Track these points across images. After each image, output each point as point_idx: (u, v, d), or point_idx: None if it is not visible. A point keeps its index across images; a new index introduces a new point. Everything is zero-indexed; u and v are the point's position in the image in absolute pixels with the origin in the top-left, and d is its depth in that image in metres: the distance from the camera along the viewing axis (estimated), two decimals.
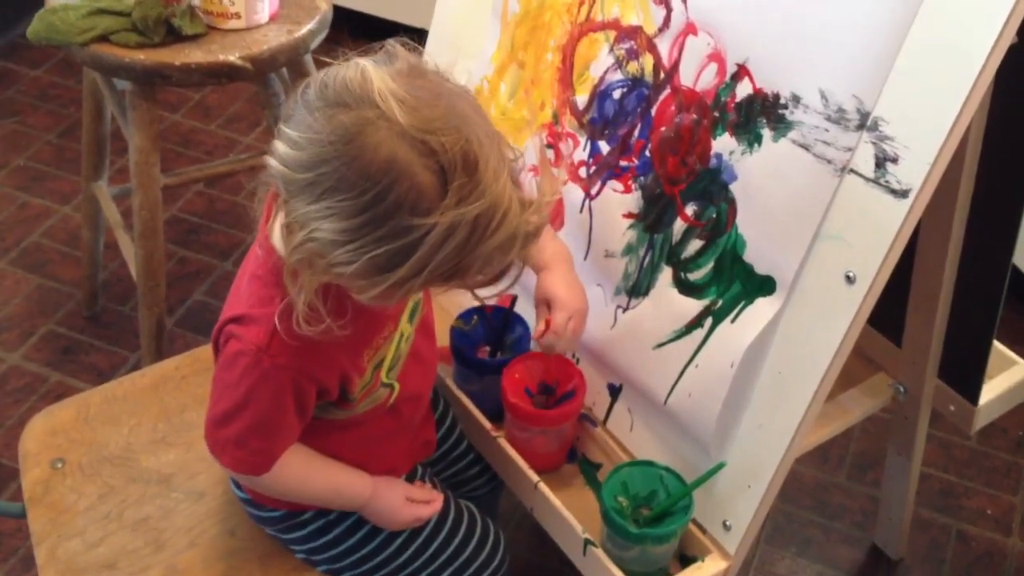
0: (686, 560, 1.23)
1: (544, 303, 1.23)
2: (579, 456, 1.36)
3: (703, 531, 1.22)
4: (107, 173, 1.87)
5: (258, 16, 1.52)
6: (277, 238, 1.02)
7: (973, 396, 1.42)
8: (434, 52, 1.46)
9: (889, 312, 1.45)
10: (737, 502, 1.19)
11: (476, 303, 1.39)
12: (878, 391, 1.49)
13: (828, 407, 1.44)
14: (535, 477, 1.27)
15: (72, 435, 1.39)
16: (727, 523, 1.20)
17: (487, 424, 1.33)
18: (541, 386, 1.32)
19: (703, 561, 1.21)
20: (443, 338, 1.34)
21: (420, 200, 0.88)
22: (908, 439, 1.55)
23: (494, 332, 1.38)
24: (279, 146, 0.92)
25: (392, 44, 0.95)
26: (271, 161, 0.93)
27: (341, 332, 0.99)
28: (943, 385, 1.45)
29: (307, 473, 1.14)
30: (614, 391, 1.32)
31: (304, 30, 1.55)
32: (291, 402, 1.05)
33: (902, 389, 1.46)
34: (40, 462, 1.36)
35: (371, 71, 0.90)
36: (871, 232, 1.02)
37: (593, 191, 1.29)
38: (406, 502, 1.21)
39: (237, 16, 1.49)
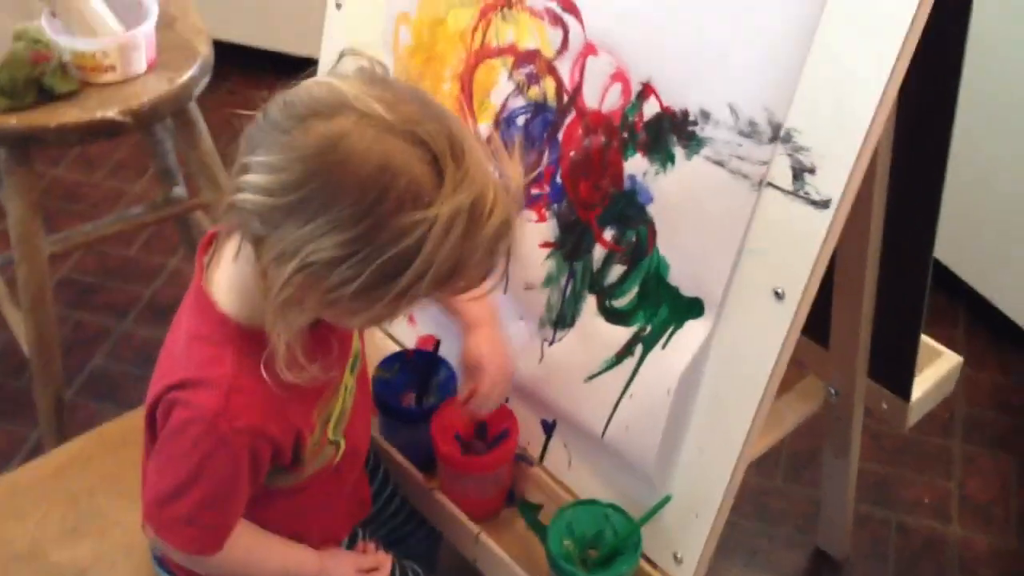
0: None
1: (470, 367, 1.19)
2: (518, 499, 1.31)
3: (654, 566, 1.18)
4: None
5: (134, 67, 1.44)
6: (222, 290, 0.97)
7: (905, 392, 1.40)
8: None
9: (814, 314, 1.43)
10: (686, 532, 1.15)
11: (396, 350, 1.36)
12: (810, 395, 1.47)
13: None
14: (475, 528, 1.22)
15: None
16: (678, 555, 1.16)
17: (419, 477, 1.27)
18: (476, 431, 1.27)
19: None
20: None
21: (421, 193, 0.84)
22: (843, 440, 1.53)
23: (418, 377, 1.33)
24: (252, 178, 0.86)
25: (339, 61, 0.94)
26: (244, 197, 0.86)
27: (326, 374, 0.96)
28: (874, 384, 1.43)
29: (256, 550, 1.08)
30: (548, 427, 1.28)
31: (185, 77, 1.47)
32: (247, 469, 0.98)
33: (833, 391, 1.44)
34: None
35: (337, 81, 0.88)
36: (795, 245, 0.99)
37: None
38: (358, 573, 1.15)
39: (112, 68, 1.41)
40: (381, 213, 0.84)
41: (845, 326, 1.33)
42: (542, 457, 1.29)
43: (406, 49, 1.31)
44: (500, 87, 1.22)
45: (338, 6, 1.39)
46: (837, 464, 1.59)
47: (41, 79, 1.37)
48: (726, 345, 1.07)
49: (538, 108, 1.18)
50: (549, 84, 1.17)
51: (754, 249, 1.03)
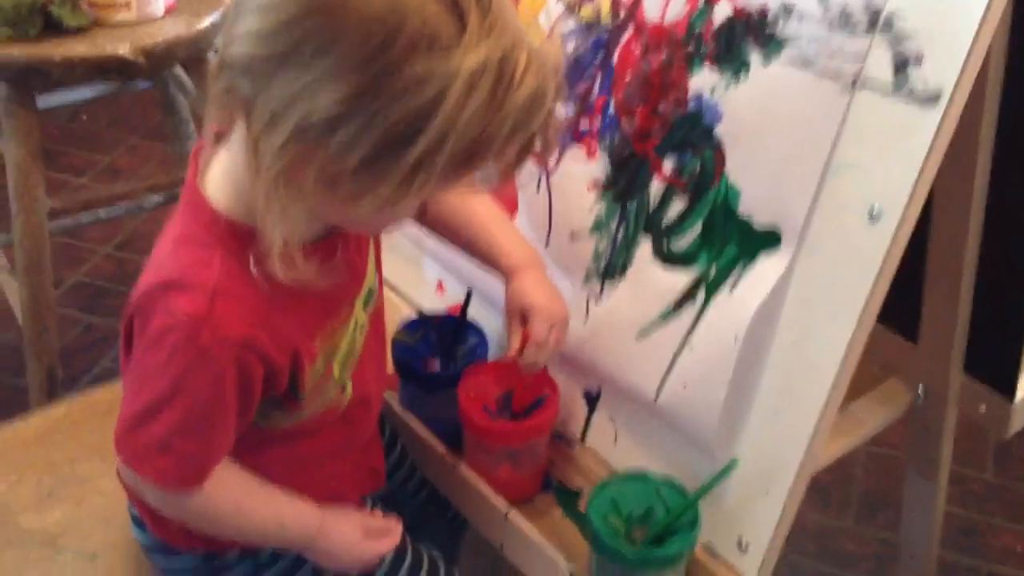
0: None
1: (518, 313, 1.03)
2: (554, 483, 1.14)
3: (713, 554, 1.01)
4: None
5: (151, 7, 1.33)
6: (215, 185, 0.84)
7: (1009, 389, 1.22)
8: None
9: (901, 304, 1.27)
10: (754, 512, 0.98)
11: (420, 314, 1.21)
12: (892, 398, 1.29)
13: (837, 419, 1.25)
14: (504, 505, 1.06)
15: None
16: (743, 541, 0.99)
17: (441, 448, 1.11)
18: (502, 401, 1.11)
19: None
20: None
21: (437, 37, 0.70)
22: (931, 456, 1.34)
23: (443, 344, 1.17)
24: (238, 28, 0.73)
25: None
26: (232, 50, 0.74)
27: (323, 281, 0.81)
28: (971, 381, 1.25)
29: (245, 496, 0.92)
30: (591, 399, 1.12)
31: (205, 23, 1.36)
32: (233, 390, 0.83)
33: (921, 390, 1.26)
34: None
35: None
36: (895, 154, 0.85)
37: (550, 164, 1.10)
38: (363, 536, 0.99)
39: (127, 6, 1.30)
40: (389, 59, 0.70)
41: (939, 305, 1.16)
42: (584, 435, 1.13)
43: None
44: (550, 9, 1.09)
45: None
46: (923, 488, 1.39)
47: (48, 8, 1.25)
48: (807, 281, 0.92)
49: (590, 28, 1.05)
50: (604, 0, 1.04)
51: (844, 163, 0.88)
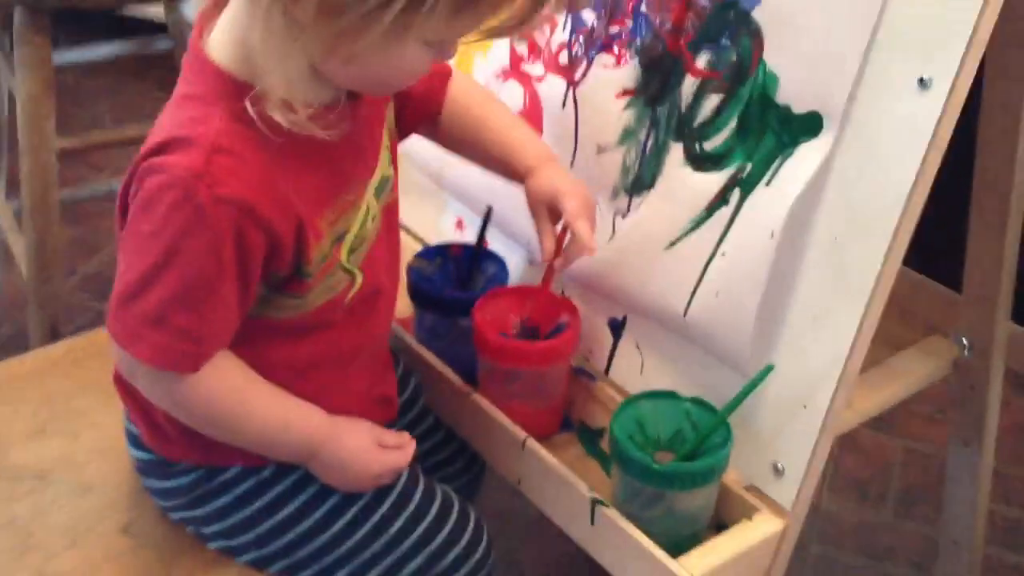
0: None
1: (544, 205, 0.96)
2: (576, 423, 1.06)
3: (746, 486, 0.92)
4: (4, 175, 1.61)
5: None
6: (218, 42, 0.79)
7: None
8: None
9: (944, 254, 1.19)
10: (791, 432, 0.89)
11: (430, 227, 1.15)
12: (936, 352, 1.20)
13: (876, 372, 1.16)
14: (521, 434, 0.98)
15: None
16: (779, 465, 0.90)
17: (455, 378, 1.04)
18: (520, 328, 1.03)
19: (750, 520, 0.91)
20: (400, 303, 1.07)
21: None
22: (976, 418, 1.24)
23: (461, 273, 1.11)
24: None
25: None
26: None
27: (328, 133, 0.76)
28: (1020, 330, 1.17)
29: (247, 390, 0.85)
30: (616, 327, 1.04)
31: None
32: (232, 259, 0.77)
33: (967, 344, 1.17)
34: None
35: None
36: (946, 17, 0.78)
37: (577, 76, 1.04)
38: (377, 447, 0.91)
39: None
40: None
41: (984, 247, 1.08)
42: (608, 367, 1.05)
43: None
44: None
45: None
46: (967, 457, 1.29)
47: None
48: (851, 165, 0.84)
49: None
50: None
51: (892, 33, 0.81)
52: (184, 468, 0.93)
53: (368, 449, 0.91)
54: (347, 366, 0.93)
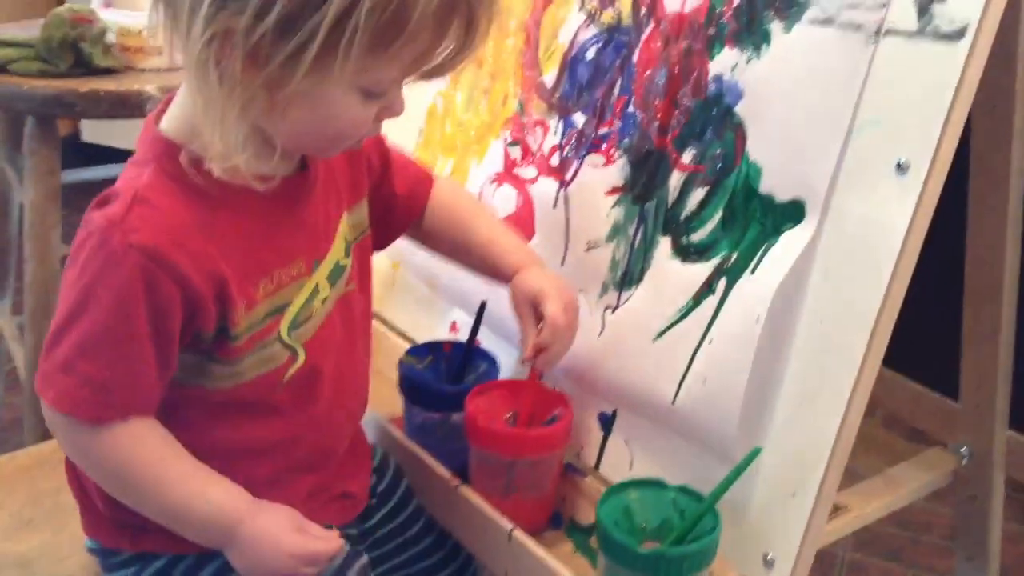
0: None
1: (527, 305, 0.98)
2: (565, 521, 1.05)
3: None
4: (11, 294, 1.63)
5: None
6: (165, 118, 0.83)
7: None
8: None
9: (939, 362, 1.20)
10: (781, 520, 0.88)
11: (425, 329, 1.15)
12: (934, 465, 1.19)
13: (877, 481, 1.16)
14: (508, 524, 0.97)
15: None
16: (768, 557, 0.89)
17: (444, 471, 1.03)
18: (513, 421, 1.03)
19: None
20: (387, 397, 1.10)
21: None
22: (979, 531, 1.23)
23: (452, 370, 1.11)
24: None
25: None
26: None
27: (263, 183, 0.78)
28: (1018, 437, 1.16)
29: (165, 457, 0.82)
30: (606, 422, 1.04)
31: None
32: (142, 307, 0.77)
33: (965, 453, 1.17)
34: None
35: None
36: (921, 100, 0.80)
37: (568, 176, 1.07)
38: (295, 530, 0.85)
39: (159, 52, 1.32)
40: None
41: (978, 350, 1.09)
42: (598, 462, 1.04)
43: None
44: (570, 23, 1.08)
45: None
46: (973, 571, 1.28)
47: (79, 44, 1.27)
48: (833, 249, 0.86)
49: (611, 33, 1.04)
50: (625, 2, 1.03)
51: (869, 120, 0.84)
52: (121, 561, 0.91)
53: (285, 529, 0.85)
54: (291, 455, 0.90)
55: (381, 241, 1.01)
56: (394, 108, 0.81)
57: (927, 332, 1.24)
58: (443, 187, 1.04)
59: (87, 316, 0.77)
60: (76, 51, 1.27)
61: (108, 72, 1.31)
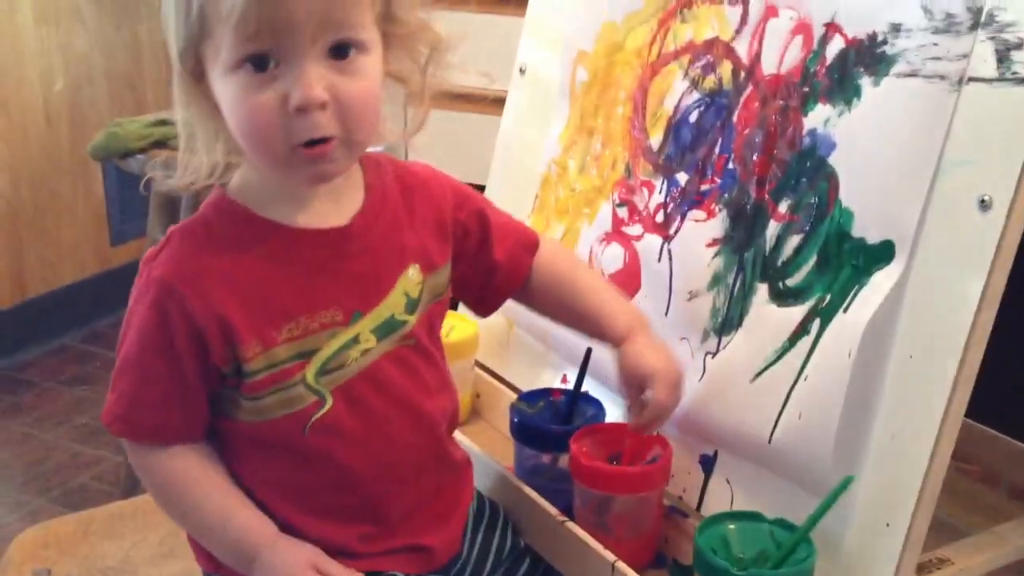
0: None
1: (635, 381, 1.02)
2: (669, 561, 1.08)
3: None
4: None
5: None
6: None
7: None
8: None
9: None
10: (874, 552, 0.91)
11: (537, 385, 1.21)
12: None
13: (983, 537, 1.16)
14: (611, 556, 1.01)
15: (65, 547, 1.19)
16: None
17: (551, 508, 1.08)
18: (615, 459, 1.08)
19: None
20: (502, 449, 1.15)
21: None
22: None
23: (561, 417, 1.17)
24: None
25: None
26: None
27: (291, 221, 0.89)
28: None
29: (202, 478, 0.90)
30: (708, 464, 1.08)
31: None
32: (157, 332, 0.86)
33: None
34: (22, 572, 1.14)
35: None
36: (1003, 141, 0.85)
37: (671, 231, 1.13)
38: (311, 567, 0.89)
39: None
40: None
41: None
42: (700, 503, 1.08)
43: (582, 87, 1.28)
44: (674, 90, 1.16)
45: (522, 71, 1.39)
46: None
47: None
48: (921, 287, 0.90)
49: (712, 97, 1.11)
50: (725, 68, 1.10)
51: (953, 162, 0.88)
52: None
53: (300, 565, 0.89)
54: (329, 500, 0.93)
55: (487, 307, 1.07)
56: (293, 91, 0.79)
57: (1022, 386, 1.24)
58: (547, 250, 1.07)
59: (126, 341, 0.89)
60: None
61: None
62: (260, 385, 0.88)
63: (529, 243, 1.06)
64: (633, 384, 1.03)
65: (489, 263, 1.03)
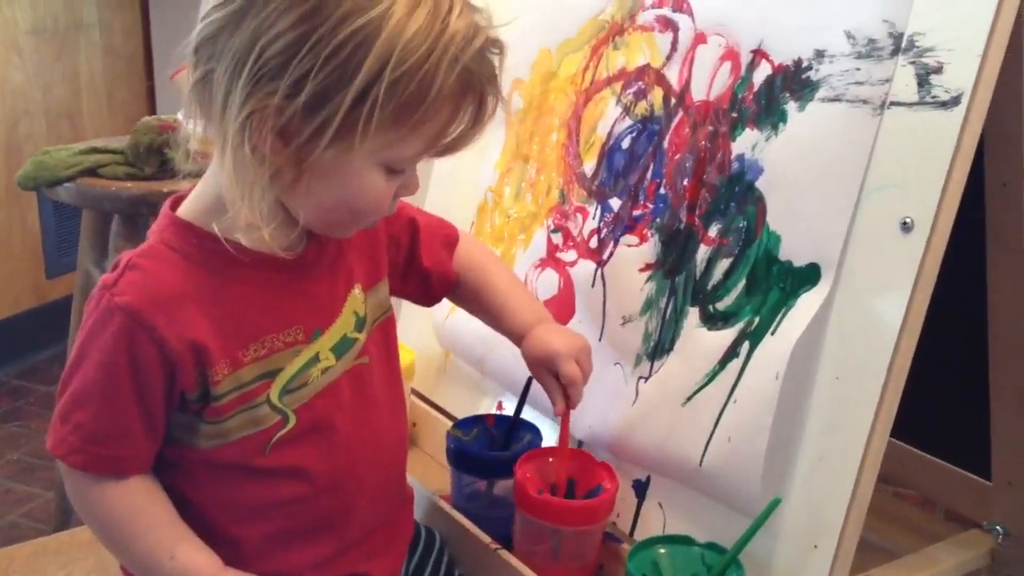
0: None
1: (543, 366, 1.03)
2: None
3: None
4: None
5: None
6: (183, 205, 0.89)
7: None
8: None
9: (967, 443, 1.22)
10: (803, 574, 0.91)
11: (474, 413, 1.20)
12: (972, 545, 1.20)
13: (913, 559, 1.17)
14: None
15: None
16: None
17: (484, 537, 1.07)
18: (559, 490, 1.07)
19: None
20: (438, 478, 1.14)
21: None
22: None
23: (497, 444, 1.16)
24: (201, 15, 0.81)
25: None
26: (199, 37, 0.81)
27: (288, 253, 0.85)
28: None
29: (146, 511, 0.87)
30: (640, 488, 1.08)
31: None
32: (125, 365, 0.83)
33: (1000, 531, 1.17)
34: None
35: None
36: (923, 164, 0.86)
37: (605, 256, 1.14)
38: None
39: None
40: None
41: (1006, 426, 1.12)
42: (633, 528, 1.08)
43: (517, 114, 1.29)
44: (607, 117, 1.17)
45: None
46: None
47: (164, 150, 1.39)
48: (846, 308, 0.91)
49: (644, 123, 1.12)
50: (656, 94, 1.11)
51: (876, 185, 0.90)
52: None
53: None
54: (285, 522, 0.92)
55: (429, 303, 1.08)
56: (410, 186, 0.86)
57: (957, 411, 1.26)
58: (462, 247, 1.08)
59: (81, 371, 0.84)
60: (162, 157, 1.39)
61: (191, 176, 1.41)
62: (226, 408, 0.87)
63: (449, 241, 1.07)
64: (542, 368, 1.03)
65: (421, 270, 1.04)
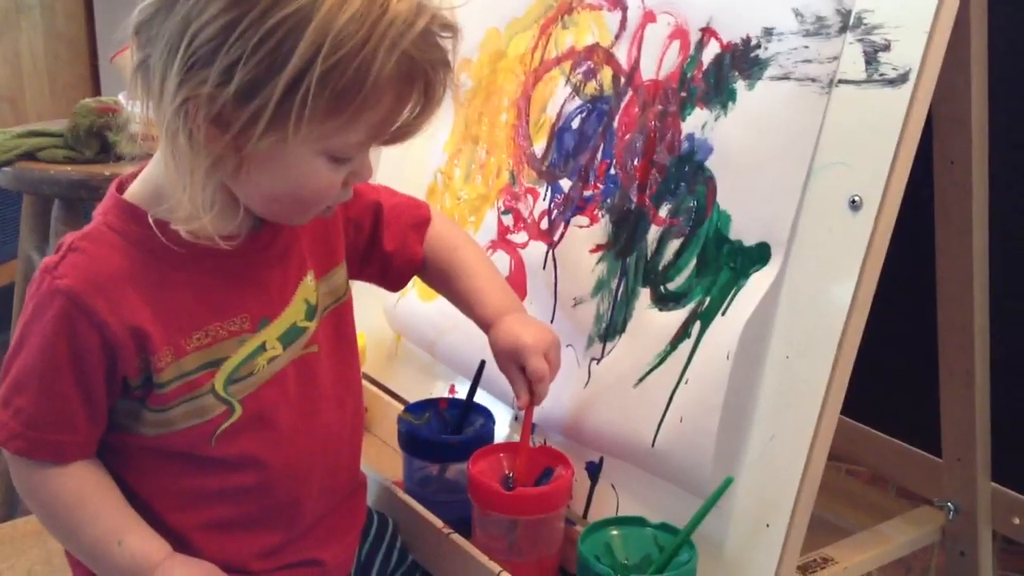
0: None
1: (510, 359, 1.01)
2: (559, 571, 1.07)
3: None
4: None
5: None
6: (133, 185, 0.87)
7: None
8: None
9: (918, 422, 1.23)
10: (755, 552, 0.91)
11: (426, 397, 1.19)
12: (923, 521, 1.21)
13: (865, 535, 1.18)
14: (496, 567, 0.99)
15: None
16: None
17: (436, 521, 1.06)
18: (508, 482, 1.06)
19: None
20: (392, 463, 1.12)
21: None
22: None
23: (449, 428, 1.15)
24: (138, 4, 0.79)
25: None
26: (134, 22, 0.79)
27: (229, 243, 0.82)
28: (1002, 490, 1.18)
29: (94, 498, 0.86)
30: (594, 470, 1.07)
31: None
32: (65, 349, 0.81)
33: (951, 508, 1.19)
34: None
35: None
36: (872, 141, 0.86)
37: (556, 238, 1.13)
38: None
39: None
40: None
41: (956, 403, 1.12)
42: (587, 510, 1.07)
43: (466, 95, 1.27)
44: (557, 97, 1.16)
45: None
46: None
47: (105, 133, 1.36)
48: (796, 287, 0.90)
49: (594, 103, 1.11)
50: (606, 74, 1.10)
51: (825, 163, 0.89)
52: None
53: None
54: (232, 510, 0.91)
55: (393, 287, 1.06)
56: (361, 173, 0.85)
57: (908, 390, 1.27)
58: (435, 228, 1.06)
59: (21, 356, 0.83)
60: (102, 139, 1.36)
61: (133, 160, 1.39)
62: (169, 396, 0.85)
63: (419, 222, 1.05)
64: (509, 361, 1.01)
65: (381, 254, 1.02)
